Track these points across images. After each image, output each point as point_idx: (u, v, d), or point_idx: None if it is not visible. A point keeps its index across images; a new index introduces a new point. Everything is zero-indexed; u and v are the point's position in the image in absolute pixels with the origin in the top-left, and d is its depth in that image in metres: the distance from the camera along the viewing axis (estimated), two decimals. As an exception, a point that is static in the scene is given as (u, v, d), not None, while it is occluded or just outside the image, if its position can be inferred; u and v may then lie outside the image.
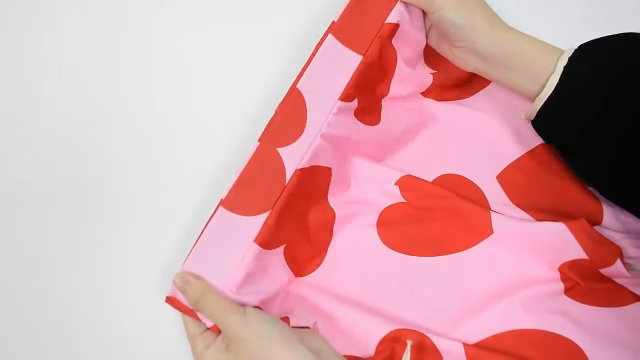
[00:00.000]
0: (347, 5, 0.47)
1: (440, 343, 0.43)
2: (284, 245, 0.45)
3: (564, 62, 0.43)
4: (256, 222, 0.42)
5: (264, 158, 0.43)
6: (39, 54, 0.57)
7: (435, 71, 0.52)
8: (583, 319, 0.43)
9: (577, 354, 0.41)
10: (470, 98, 0.53)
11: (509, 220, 0.47)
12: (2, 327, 0.47)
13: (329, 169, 0.47)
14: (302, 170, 0.44)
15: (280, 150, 0.43)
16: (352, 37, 0.46)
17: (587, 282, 0.45)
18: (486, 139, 0.51)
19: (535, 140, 0.50)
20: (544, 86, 0.44)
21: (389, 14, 0.46)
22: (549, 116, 0.44)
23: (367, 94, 0.48)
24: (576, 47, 0.43)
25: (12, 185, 0.52)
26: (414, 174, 0.50)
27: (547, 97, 0.43)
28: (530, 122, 0.46)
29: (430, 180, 0.50)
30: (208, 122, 0.54)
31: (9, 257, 0.49)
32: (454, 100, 0.53)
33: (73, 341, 0.46)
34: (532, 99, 0.45)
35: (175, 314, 0.46)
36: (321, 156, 0.45)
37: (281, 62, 0.57)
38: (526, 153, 0.50)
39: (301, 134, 0.44)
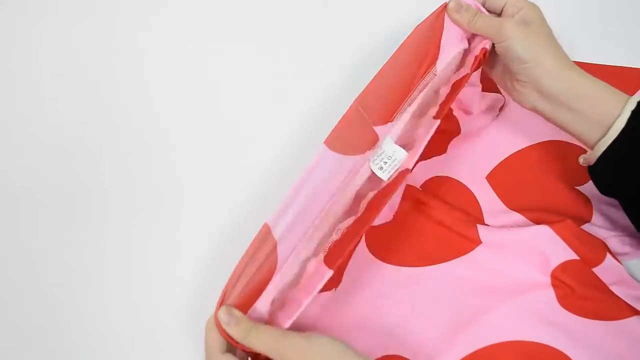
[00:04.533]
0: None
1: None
2: None
3: (632, 106, 0.41)
4: None
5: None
6: (36, 55, 0.57)
7: None
8: (579, 332, 0.43)
9: None
10: None
11: (495, 229, 0.47)
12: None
13: None
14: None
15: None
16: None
17: (581, 286, 0.44)
18: (476, 140, 0.52)
19: (524, 141, 0.51)
20: (608, 129, 0.41)
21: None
22: (611, 162, 0.42)
23: None
24: None
25: (10, 186, 0.52)
26: None
27: (611, 140, 0.41)
28: (587, 169, 0.44)
29: (422, 182, 0.50)
30: (204, 122, 0.55)
31: (6, 257, 0.49)
32: None
33: (70, 341, 0.47)
34: (592, 145, 0.43)
35: (172, 315, 0.47)
36: None
37: (278, 57, 0.58)
38: (514, 153, 0.51)
39: None
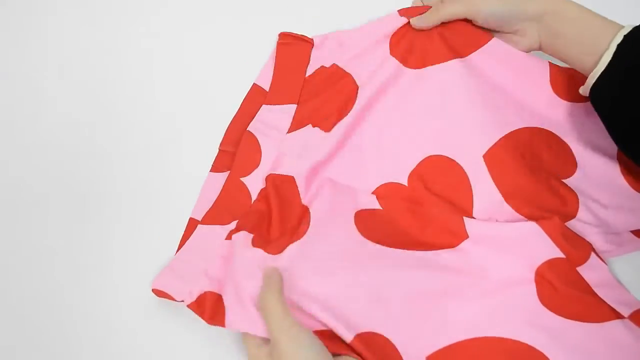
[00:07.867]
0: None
1: (404, 349, 0.42)
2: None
3: (619, 39, 0.41)
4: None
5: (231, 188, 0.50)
6: (39, 54, 0.58)
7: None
8: (558, 332, 0.42)
9: None
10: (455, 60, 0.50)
11: (482, 223, 0.47)
12: (1, 326, 0.48)
13: (292, 177, 0.49)
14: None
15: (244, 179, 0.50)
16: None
17: (565, 285, 0.43)
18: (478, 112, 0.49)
19: (519, 123, 0.49)
20: (597, 62, 0.42)
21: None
22: (603, 93, 0.42)
23: None
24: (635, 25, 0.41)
25: (13, 185, 0.53)
26: (397, 156, 0.50)
27: (599, 74, 0.41)
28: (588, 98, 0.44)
29: (414, 165, 0.50)
30: (209, 122, 0.55)
31: (9, 257, 0.50)
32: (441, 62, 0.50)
33: (71, 341, 0.48)
34: (587, 73, 0.43)
35: (173, 314, 0.48)
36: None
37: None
38: (508, 134, 0.48)
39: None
